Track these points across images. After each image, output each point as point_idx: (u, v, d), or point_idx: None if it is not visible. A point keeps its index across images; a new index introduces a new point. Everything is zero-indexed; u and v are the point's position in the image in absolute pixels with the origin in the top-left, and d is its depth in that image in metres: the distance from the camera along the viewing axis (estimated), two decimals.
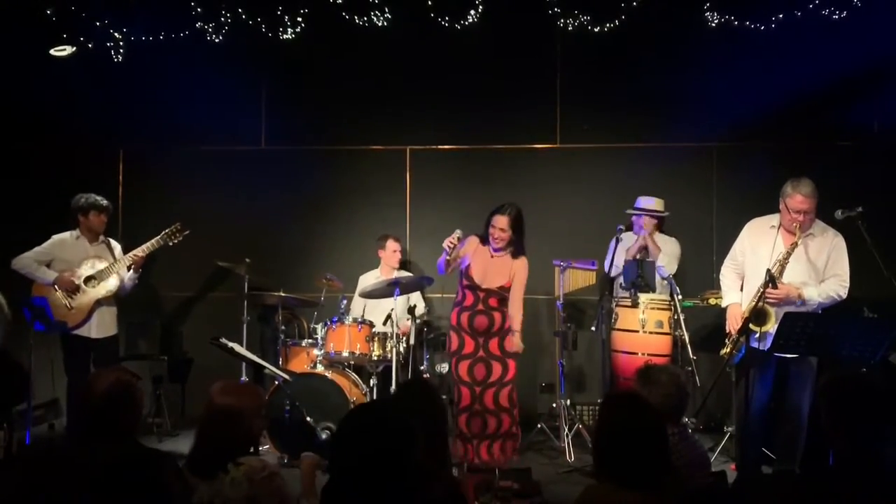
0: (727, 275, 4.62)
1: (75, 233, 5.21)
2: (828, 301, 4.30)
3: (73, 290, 5.04)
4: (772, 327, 4.09)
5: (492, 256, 4.83)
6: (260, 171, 6.56)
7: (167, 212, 6.07)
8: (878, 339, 3.72)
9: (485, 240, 4.85)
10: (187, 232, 5.27)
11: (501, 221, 4.75)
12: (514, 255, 4.83)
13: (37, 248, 5.12)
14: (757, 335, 4.17)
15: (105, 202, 5.24)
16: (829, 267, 4.34)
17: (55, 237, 5.20)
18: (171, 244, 5.23)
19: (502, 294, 4.80)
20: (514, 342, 4.81)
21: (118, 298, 5.29)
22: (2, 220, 6.27)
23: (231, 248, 5.98)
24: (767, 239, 4.41)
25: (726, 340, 4.48)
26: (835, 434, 2.49)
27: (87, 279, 5.09)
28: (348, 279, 5.98)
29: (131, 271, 5.18)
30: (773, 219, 4.46)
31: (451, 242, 4.63)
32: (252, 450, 2.68)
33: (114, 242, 5.31)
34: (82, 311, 5.07)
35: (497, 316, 4.80)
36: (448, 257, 4.69)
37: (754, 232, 4.52)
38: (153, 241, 5.19)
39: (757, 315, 4.16)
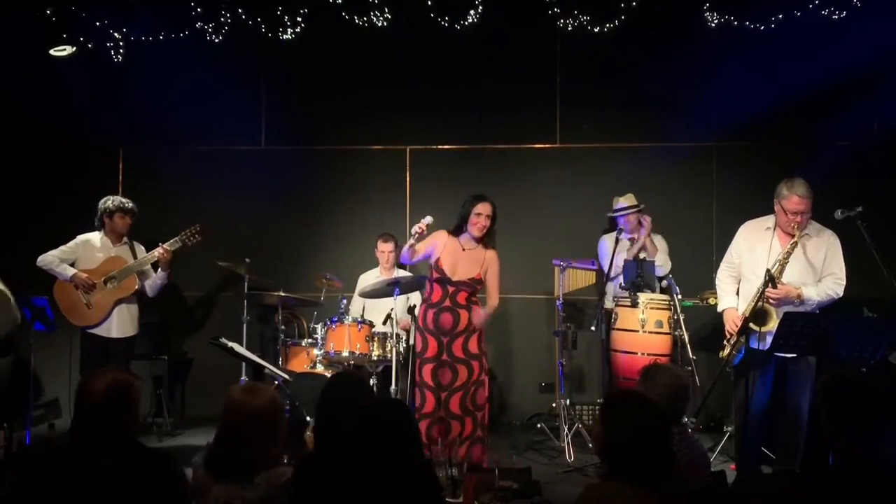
0: (723, 279, 4.60)
1: (100, 233, 5.23)
2: (826, 300, 4.30)
3: (90, 287, 5.05)
4: (772, 326, 4.08)
5: (463, 249, 4.66)
6: (260, 171, 6.56)
7: (167, 212, 6.09)
8: (878, 339, 3.73)
9: (458, 231, 4.69)
10: (208, 232, 5.26)
11: (487, 208, 4.63)
12: (486, 247, 4.68)
13: (62, 247, 5.14)
14: (757, 335, 4.17)
15: (130, 205, 5.25)
16: (826, 266, 4.33)
17: (80, 237, 5.23)
18: (189, 244, 5.23)
19: (473, 287, 4.62)
20: (479, 313, 4.58)
21: (146, 298, 5.30)
22: (1, 220, 6.28)
23: (231, 248, 5.98)
24: (763, 240, 4.39)
25: (725, 342, 4.48)
26: (835, 434, 2.49)
27: (108, 278, 5.10)
28: (348, 279, 5.98)
29: (159, 270, 5.19)
30: (768, 220, 4.44)
31: (421, 228, 4.45)
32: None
33: (137, 244, 5.31)
34: (102, 311, 5.08)
35: (463, 314, 4.58)
36: (414, 242, 4.50)
37: (750, 234, 4.50)
38: (172, 241, 5.18)
39: (757, 315, 4.16)
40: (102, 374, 2.60)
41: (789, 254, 4.23)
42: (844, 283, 4.31)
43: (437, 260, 4.65)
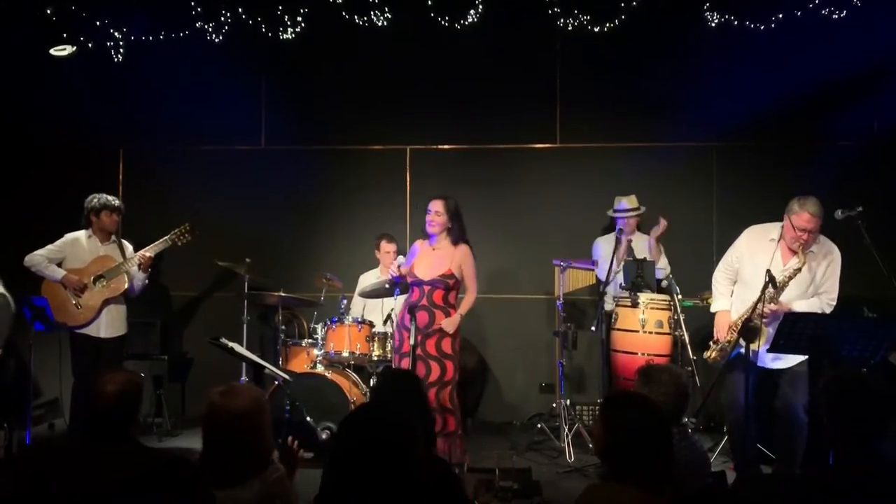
0: (720, 280, 4.56)
1: (88, 232, 5.21)
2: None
3: (80, 288, 5.04)
4: (762, 346, 4.09)
5: (434, 249, 4.85)
6: (260, 171, 6.56)
7: (167, 212, 6.09)
8: (878, 339, 3.72)
9: (427, 234, 4.91)
10: (198, 232, 5.27)
11: (436, 204, 4.83)
12: (454, 244, 4.82)
13: (49, 246, 5.12)
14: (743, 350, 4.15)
15: (117, 202, 5.25)
16: (822, 282, 4.29)
17: (68, 236, 5.20)
18: (179, 244, 5.22)
19: (445, 283, 4.73)
20: (449, 320, 4.72)
21: (127, 299, 5.28)
22: (1, 220, 6.28)
23: (231, 248, 5.98)
24: (766, 251, 4.32)
25: (711, 343, 4.47)
26: (835, 434, 2.50)
27: (97, 278, 5.09)
28: (348, 279, 5.98)
29: (140, 272, 5.18)
30: (774, 230, 4.36)
31: (393, 271, 4.86)
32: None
33: (125, 243, 5.30)
34: (91, 310, 5.06)
35: (439, 315, 4.73)
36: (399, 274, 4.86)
37: (753, 241, 4.44)
38: (161, 240, 5.18)
39: (748, 332, 4.10)
40: (114, 376, 2.59)
41: (791, 278, 4.17)
42: (835, 303, 4.28)
43: (412, 265, 4.87)
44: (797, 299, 4.25)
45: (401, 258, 5.00)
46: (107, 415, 2.51)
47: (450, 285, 4.75)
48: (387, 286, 5.18)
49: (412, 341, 4.46)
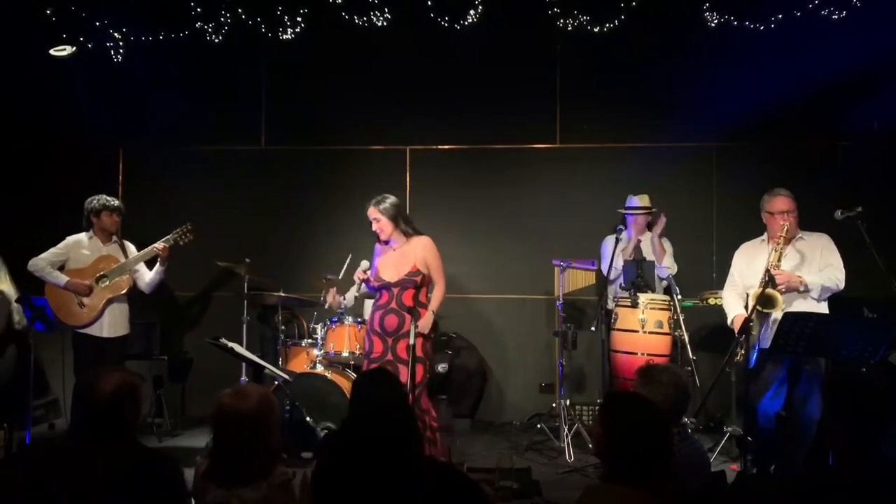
0: (729, 294, 4.63)
1: (89, 233, 5.21)
2: (830, 285, 4.31)
3: (85, 292, 5.05)
4: (780, 310, 4.11)
5: (394, 250, 4.72)
6: (260, 171, 6.56)
7: (167, 212, 6.09)
8: (878, 339, 3.73)
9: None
10: (197, 232, 5.27)
11: (371, 213, 4.72)
12: (409, 237, 4.69)
13: (52, 250, 5.12)
14: (767, 326, 4.20)
15: (117, 202, 5.25)
16: (823, 261, 4.38)
17: (69, 238, 5.21)
18: (181, 244, 5.23)
19: (413, 281, 4.59)
20: (423, 321, 4.53)
21: (141, 298, 5.29)
22: (2, 220, 6.28)
23: (231, 248, 5.99)
24: (760, 253, 4.48)
25: (738, 350, 4.45)
26: (835, 434, 2.50)
27: (99, 277, 5.10)
28: (348, 279, 5.97)
29: (157, 265, 5.20)
30: (761, 237, 4.56)
31: (360, 276, 4.72)
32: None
33: (127, 243, 5.31)
34: (94, 310, 5.07)
35: (408, 318, 4.51)
36: (360, 286, 4.77)
37: (746, 252, 4.61)
38: (164, 240, 5.18)
39: (764, 300, 4.19)
40: (110, 375, 2.59)
41: (781, 244, 4.29)
42: (843, 273, 4.34)
43: (377, 270, 4.73)
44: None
45: (365, 263, 4.82)
46: (99, 413, 2.51)
47: (418, 283, 4.61)
48: (356, 294, 5.17)
49: (411, 341, 4.39)
